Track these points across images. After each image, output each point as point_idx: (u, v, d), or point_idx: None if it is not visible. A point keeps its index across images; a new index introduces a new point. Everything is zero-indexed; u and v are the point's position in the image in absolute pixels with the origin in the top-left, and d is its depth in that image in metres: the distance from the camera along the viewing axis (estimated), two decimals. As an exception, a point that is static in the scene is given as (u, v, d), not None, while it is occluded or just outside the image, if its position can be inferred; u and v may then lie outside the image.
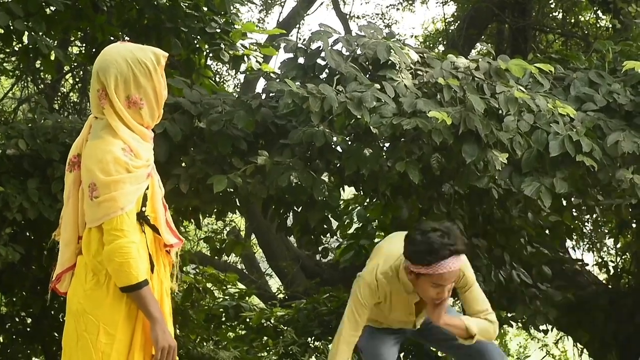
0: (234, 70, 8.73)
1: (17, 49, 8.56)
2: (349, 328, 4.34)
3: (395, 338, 4.67)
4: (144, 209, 3.62)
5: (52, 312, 8.90)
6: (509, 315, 9.62)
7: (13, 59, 9.98)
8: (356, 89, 6.07)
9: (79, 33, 9.46)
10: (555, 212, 7.86)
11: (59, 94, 11.20)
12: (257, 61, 8.30)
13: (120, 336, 3.56)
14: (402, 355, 9.30)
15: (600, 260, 11.77)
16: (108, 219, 3.52)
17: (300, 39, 14.75)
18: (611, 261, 11.64)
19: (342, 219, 9.20)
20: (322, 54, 6.51)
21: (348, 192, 8.74)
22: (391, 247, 4.38)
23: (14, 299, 9.07)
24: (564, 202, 7.55)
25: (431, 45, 14.25)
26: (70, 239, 3.69)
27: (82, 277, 3.62)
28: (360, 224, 9.44)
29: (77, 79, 11.24)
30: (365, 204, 9.09)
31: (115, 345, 3.55)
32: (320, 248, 8.02)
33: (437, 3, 15.03)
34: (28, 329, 9.16)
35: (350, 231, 9.60)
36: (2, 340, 9.20)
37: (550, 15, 12.98)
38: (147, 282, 3.54)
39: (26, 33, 7.51)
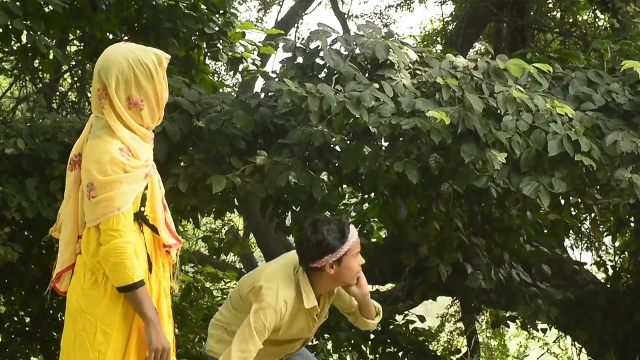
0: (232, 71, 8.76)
1: (15, 48, 8.56)
2: (251, 350, 4.23)
3: None
4: (142, 208, 3.62)
5: (51, 312, 8.91)
6: (508, 314, 9.64)
7: (11, 58, 9.98)
8: (355, 89, 6.07)
9: (77, 32, 9.47)
10: (554, 211, 7.87)
11: (58, 93, 11.20)
12: (254, 63, 8.31)
13: (116, 335, 3.57)
14: (400, 354, 9.31)
15: (598, 259, 11.77)
16: (105, 218, 3.52)
17: (298, 38, 14.77)
18: (609, 260, 11.65)
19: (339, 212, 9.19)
20: (321, 54, 6.50)
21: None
22: (276, 273, 4.37)
23: (13, 299, 9.07)
24: (562, 202, 7.56)
25: (429, 44, 14.25)
26: (70, 238, 3.70)
27: (80, 276, 3.63)
28: (357, 219, 9.43)
29: (76, 78, 11.24)
30: (361, 198, 9.08)
31: (112, 344, 3.56)
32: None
33: (435, 2, 15.03)
34: (27, 329, 9.16)
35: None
36: (1, 340, 9.21)
37: (549, 14, 12.98)
38: (142, 283, 3.54)
39: (25, 32, 7.51)
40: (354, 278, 4.38)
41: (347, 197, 9.77)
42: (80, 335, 3.58)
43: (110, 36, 8.47)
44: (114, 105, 3.61)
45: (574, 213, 8.41)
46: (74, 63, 10.11)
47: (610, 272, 10.77)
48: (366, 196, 8.47)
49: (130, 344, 3.60)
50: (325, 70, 6.57)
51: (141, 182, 3.62)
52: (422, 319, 9.80)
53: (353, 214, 9.35)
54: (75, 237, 3.70)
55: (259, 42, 8.63)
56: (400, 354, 9.29)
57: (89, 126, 3.72)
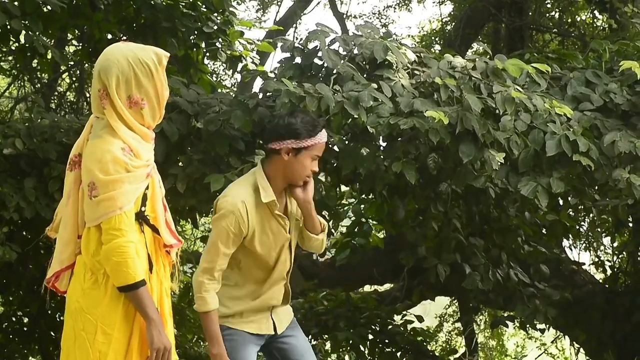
0: (230, 70, 8.77)
1: (14, 48, 8.56)
2: (214, 259, 4.29)
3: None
4: (143, 208, 3.62)
5: (49, 312, 8.90)
6: (506, 314, 9.64)
7: (10, 58, 9.98)
8: (353, 89, 6.07)
9: (76, 31, 9.46)
10: (552, 211, 7.87)
11: (56, 93, 11.19)
12: (253, 62, 8.31)
13: (117, 335, 3.57)
14: (399, 354, 9.31)
15: (597, 259, 11.77)
16: (106, 218, 3.53)
17: (297, 38, 14.77)
18: (608, 260, 11.65)
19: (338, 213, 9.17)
20: (319, 54, 6.50)
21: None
22: (231, 185, 4.47)
23: (11, 299, 9.07)
24: (561, 202, 7.55)
25: (428, 44, 14.25)
26: (70, 238, 3.70)
27: (80, 276, 3.62)
28: (356, 220, 9.43)
29: (74, 78, 11.23)
30: (362, 198, 9.07)
31: (113, 344, 3.56)
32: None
33: (433, 3, 15.02)
34: (25, 329, 9.16)
35: (344, 225, 9.58)
36: (-1, 340, 9.20)
37: (547, 14, 12.98)
38: (144, 282, 3.55)
39: (23, 32, 7.51)
40: (302, 179, 4.35)
41: (345, 197, 9.78)
42: (81, 335, 3.58)
43: (109, 36, 8.47)
44: (115, 105, 3.62)
45: (572, 213, 8.41)
46: (72, 63, 10.11)
47: (609, 272, 10.77)
48: (364, 197, 8.46)
49: (132, 343, 3.60)
50: (324, 70, 6.56)
51: (143, 182, 3.63)
52: (420, 319, 9.81)
53: (351, 214, 9.36)
54: (75, 237, 3.70)
55: (258, 40, 8.63)
56: (398, 354, 9.30)
57: (89, 126, 3.72)
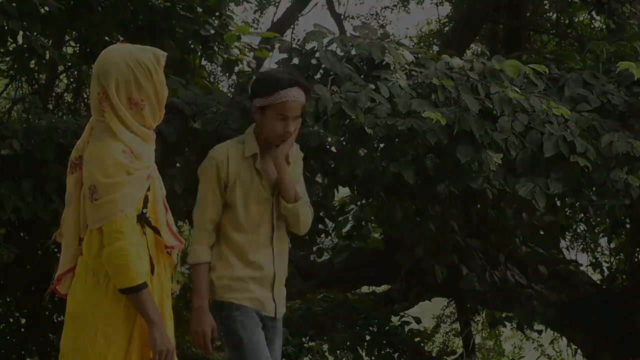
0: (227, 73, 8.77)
1: (11, 49, 8.55)
2: (202, 205, 4.32)
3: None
4: (144, 210, 3.62)
5: (47, 313, 8.89)
6: (504, 315, 9.65)
7: (7, 59, 9.97)
8: (351, 90, 6.07)
9: (74, 33, 9.46)
10: (550, 212, 7.87)
11: (54, 94, 11.19)
12: (249, 65, 8.30)
13: (117, 337, 3.56)
14: (396, 355, 9.31)
15: (594, 260, 11.78)
16: (108, 221, 3.52)
17: (294, 39, 14.77)
18: (605, 261, 11.65)
19: (337, 219, 9.18)
20: (317, 55, 6.50)
21: (343, 192, 8.73)
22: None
23: (8, 300, 9.05)
24: (558, 203, 7.56)
25: (425, 45, 14.25)
26: (72, 241, 3.70)
27: (82, 277, 3.62)
28: (355, 225, 9.42)
29: (72, 79, 11.22)
30: (360, 203, 9.07)
31: (113, 346, 3.56)
32: (314, 248, 8.01)
33: (431, 3, 15.03)
34: (22, 330, 9.15)
35: (345, 230, 9.59)
36: (-4, 341, 9.19)
37: (545, 15, 13.00)
38: (146, 285, 3.55)
39: (21, 33, 7.51)
40: (274, 139, 4.28)
41: (346, 206, 9.78)
42: (81, 337, 3.57)
43: (106, 38, 8.46)
44: (115, 108, 3.61)
45: (569, 214, 8.42)
46: (69, 64, 10.10)
47: (606, 273, 10.78)
48: (364, 201, 8.46)
49: (132, 345, 3.59)
50: (321, 71, 6.56)
51: (144, 184, 3.62)
52: (417, 320, 9.80)
53: (351, 219, 9.35)
54: (76, 240, 3.70)
55: (255, 45, 8.62)
56: (396, 355, 9.30)
57: (90, 129, 3.71)
